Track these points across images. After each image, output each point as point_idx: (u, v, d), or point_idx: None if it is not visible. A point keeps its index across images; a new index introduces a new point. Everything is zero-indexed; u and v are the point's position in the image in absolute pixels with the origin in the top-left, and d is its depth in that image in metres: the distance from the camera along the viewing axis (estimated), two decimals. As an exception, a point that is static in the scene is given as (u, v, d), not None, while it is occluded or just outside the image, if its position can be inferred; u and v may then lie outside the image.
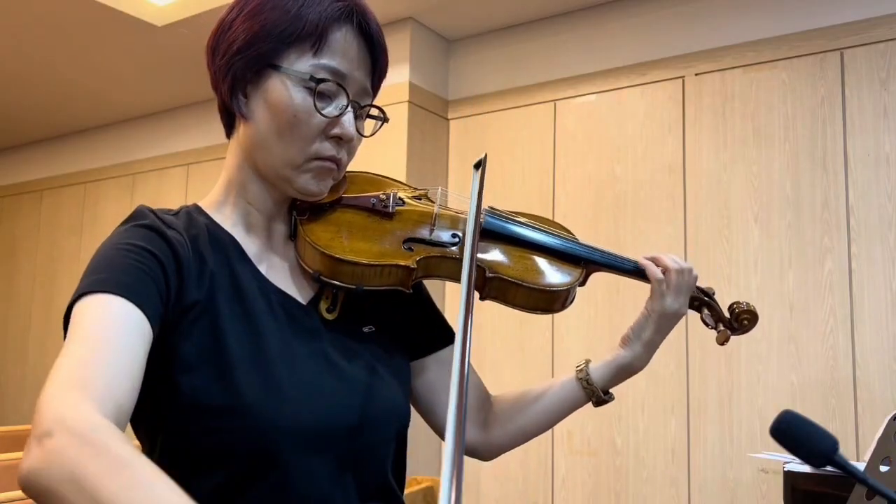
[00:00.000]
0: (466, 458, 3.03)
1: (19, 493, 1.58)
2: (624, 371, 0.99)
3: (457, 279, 0.91)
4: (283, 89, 0.83)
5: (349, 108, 0.86)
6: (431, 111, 3.29)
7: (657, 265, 1.00)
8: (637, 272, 1.02)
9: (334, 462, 0.81)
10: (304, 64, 0.83)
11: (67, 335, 0.71)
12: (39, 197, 5.00)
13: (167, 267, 0.78)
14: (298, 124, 0.83)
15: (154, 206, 0.87)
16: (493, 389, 1.08)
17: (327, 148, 0.86)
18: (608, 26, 3.04)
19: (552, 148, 3.10)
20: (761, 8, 2.73)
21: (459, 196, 1.01)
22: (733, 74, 2.75)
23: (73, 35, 3.39)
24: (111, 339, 0.70)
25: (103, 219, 4.55)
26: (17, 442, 2.81)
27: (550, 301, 0.96)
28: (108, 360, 0.68)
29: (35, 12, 3.17)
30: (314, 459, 0.79)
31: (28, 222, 5.03)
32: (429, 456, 3.07)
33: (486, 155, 0.91)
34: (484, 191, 0.85)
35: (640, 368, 1.00)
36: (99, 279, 0.74)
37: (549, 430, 2.99)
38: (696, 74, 2.82)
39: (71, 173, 4.82)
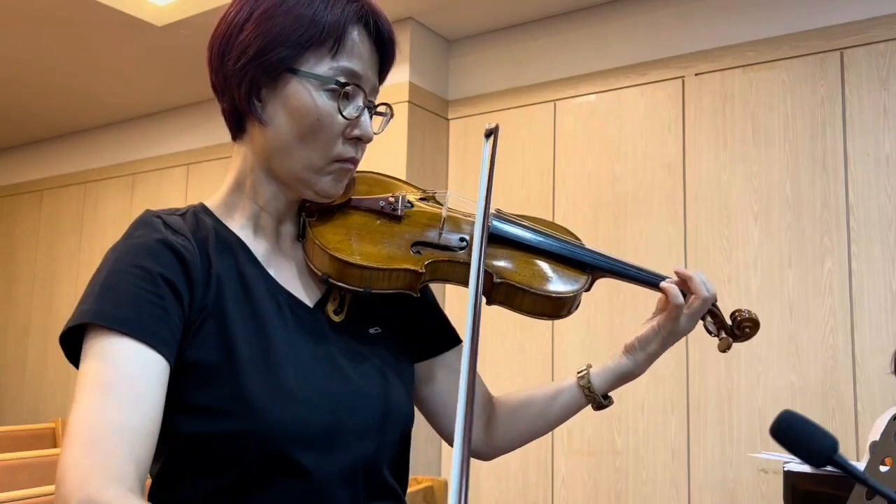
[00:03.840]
0: (466, 458, 2.96)
1: (19, 493, 1.58)
2: (625, 378, 1.01)
3: (464, 283, 0.90)
4: (306, 93, 0.83)
5: (365, 109, 0.86)
6: (431, 111, 3.29)
7: (689, 283, 0.98)
8: (654, 287, 1.00)
9: (342, 464, 0.81)
10: (323, 67, 0.83)
11: (80, 382, 0.72)
12: (39, 197, 5.00)
13: (179, 287, 0.78)
14: (322, 128, 0.84)
15: (154, 207, 0.87)
16: (493, 391, 1.08)
17: (348, 150, 0.86)
18: (608, 26, 3.04)
19: (552, 148, 3.10)
20: (761, 8, 2.73)
21: (467, 199, 1.01)
22: (733, 74, 2.75)
23: (73, 35, 3.39)
24: (127, 394, 0.71)
25: (103, 219, 4.55)
26: (17, 442, 2.81)
27: (557, 307, 0.96)
28: (126, 419, 0.70)
29: (35, 12, 3.17)
30: (322, 461, 0.79)
31: (28, 222, 5.03)
32: (429, 456, 3.07)
33: (497, 125, 0.90)
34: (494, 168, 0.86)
35: (640, 375, 1.02)
36: (107, 312, 0.74)
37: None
38: (696, 74, 2.82)
39: (71, 173, 4.82)
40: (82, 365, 0.73)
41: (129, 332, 0.73)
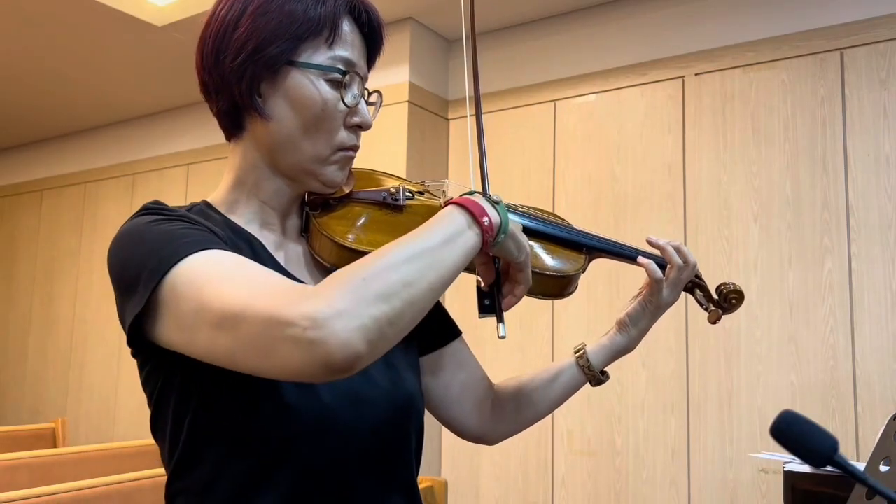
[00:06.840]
0: (464, 458, 3.02)
1: (19, 493, 1.58)
2: (620, 354, 1.07)
3: (467, 269, 0.93)
4: (308, 84, 0.84)
5: (362, 97, 0.89)
6: (431, 111, 3.29)
7: (663, 254, 1.05)
8: (635, 261, 1.06)
9: (359, 455, 0.82)
10: (321, 57, 0.85)
11: (196, 292, 0.68)
12: (39, 197, 5.00)
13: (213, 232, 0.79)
14: (326, 117, 0.85)
15: None
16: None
17: (350, 138, 0.88)
18: (608, 26, 3.04)
19: (552, 148, 3.10)
20: (761, 8, 2.73)
21: (462, 187, 1.02)
22: (733, 74, 2.75)
23: (73, 35, 3.39)
24: (246, 261, 0.72)
25: (103, 219, 4.55)
26: (17, 442, 2.80)
27: (562, 286, 0.99)
28: (264, 271, 0.71)
29: (35, 12, 3.17)
30: (340, 452, 0.80)
31: (28, 222, 5.03)
32: (429, 456, 3.06)
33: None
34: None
35: (633, 349, 1.08)
36: (171, 251, 0.71)
37: (549, 430, 2.98)
38: (696, 74, 2.82)
39: (71, 173, 4.82)
40: (182, 304, 0.69)
41: (203, 248, 0.72)
